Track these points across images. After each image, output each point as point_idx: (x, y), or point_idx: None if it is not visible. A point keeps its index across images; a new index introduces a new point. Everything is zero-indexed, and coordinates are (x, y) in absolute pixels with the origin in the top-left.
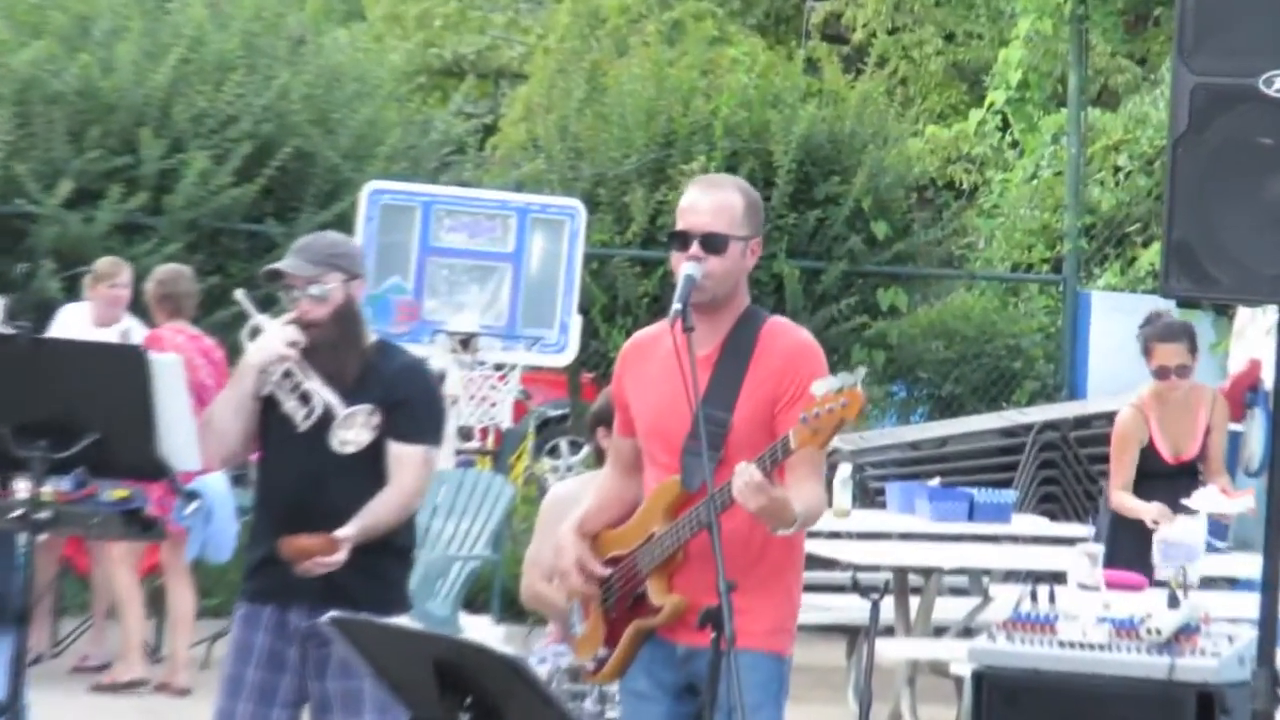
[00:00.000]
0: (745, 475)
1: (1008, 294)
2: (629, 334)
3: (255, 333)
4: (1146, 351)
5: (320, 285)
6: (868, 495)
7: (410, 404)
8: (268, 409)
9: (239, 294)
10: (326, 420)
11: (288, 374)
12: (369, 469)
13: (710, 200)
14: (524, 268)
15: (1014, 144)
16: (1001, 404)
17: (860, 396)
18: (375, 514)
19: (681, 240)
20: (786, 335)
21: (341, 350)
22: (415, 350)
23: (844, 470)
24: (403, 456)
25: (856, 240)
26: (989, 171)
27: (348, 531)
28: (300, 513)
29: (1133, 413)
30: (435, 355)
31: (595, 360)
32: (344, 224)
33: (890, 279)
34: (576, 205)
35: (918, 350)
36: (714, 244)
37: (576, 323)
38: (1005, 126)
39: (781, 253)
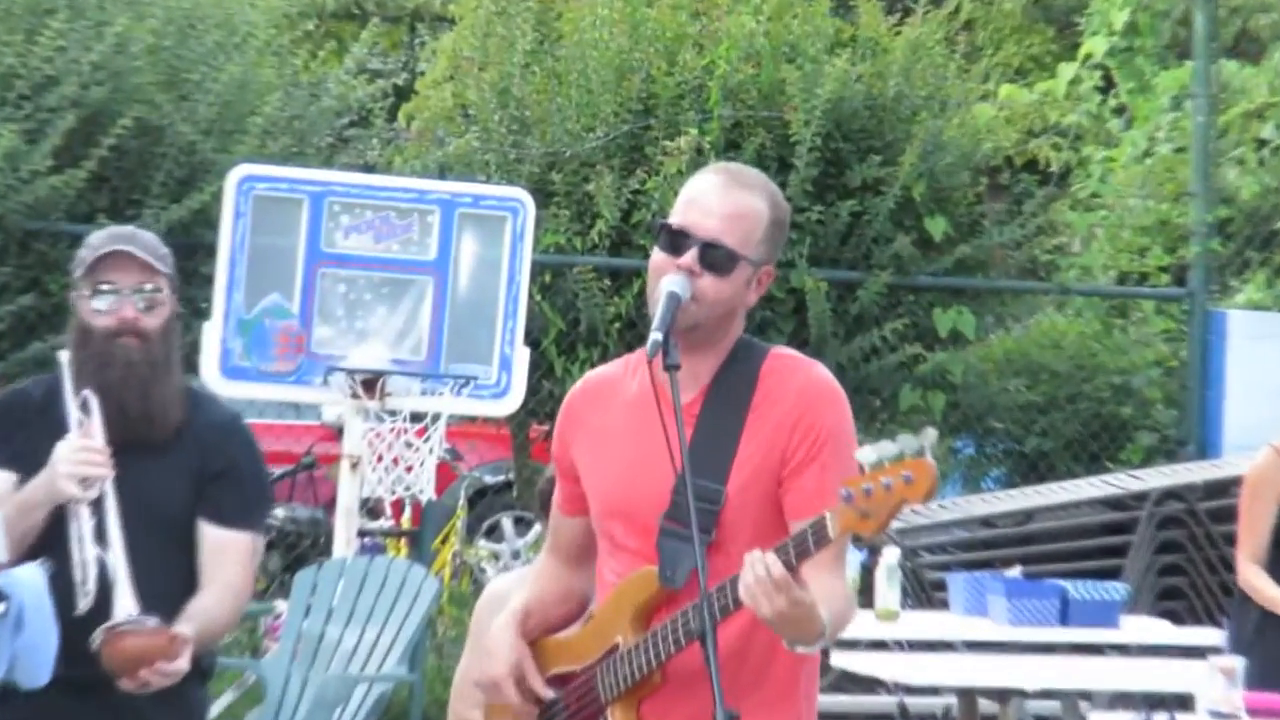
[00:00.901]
0: (760, 569)
1: (1113, 314)
2: None
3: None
4: None
5: (154, 284)
6: (922, 590)
7: (235, 476)
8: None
9: (62, 358)
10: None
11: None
12: (175, 564)
13: (728, 200)
14: (450, 282)
15: (1119, 110)
16: (1106, 465)
17: (931, 470)
18: (209, 616)
19: (672, 240)
20: (796, 373)
21: (164, 385)
22: (303, 395)
23: (889, 556)
24: (228, 546)
25: (905, 242)
26: (1086, 148)
27: (187, 630)
28: (83, 627)
29: (1269, 456)
30: (329, 402)
31: (548, 408)
32: (205, 222)
33: (952, 295)
34: (522, 197)
35: (990, 392)
36: (717, 259)
37: (522, 357)
38: (1108, 86)
39: (802, 260)
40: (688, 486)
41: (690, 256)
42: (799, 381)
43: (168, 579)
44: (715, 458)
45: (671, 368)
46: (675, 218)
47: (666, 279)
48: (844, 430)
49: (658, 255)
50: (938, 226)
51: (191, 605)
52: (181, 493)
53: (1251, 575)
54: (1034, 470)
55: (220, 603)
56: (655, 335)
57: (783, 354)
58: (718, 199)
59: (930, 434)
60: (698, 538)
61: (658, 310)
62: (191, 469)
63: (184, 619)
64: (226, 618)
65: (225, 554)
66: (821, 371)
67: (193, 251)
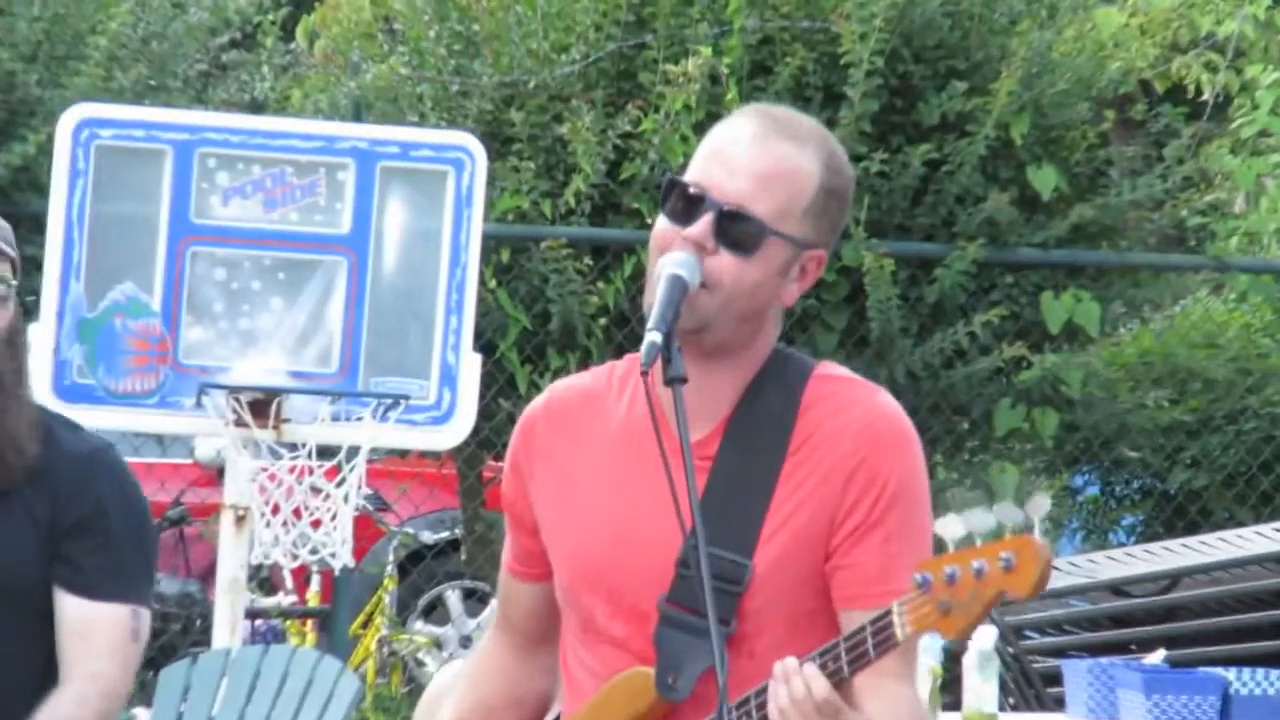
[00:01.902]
0: (798, 686)
1: None
2: None
3: None
4: None
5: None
6: (1029, 685)
7: (102, 527)
8: None
9: None
10: None
11: None
12: (25, 648)
13: (764, 153)
14: (371, 265)
15: None
16: None
17: (1042, 555)
18: None
19: (682, 203)
20: (853, 404)
21: (17, 406)
22: (168, 424)
23: (983, 639)
24: (95, 624)
25: (1002, 202)
26: (1252, 68)
27: None
28: None
29: None
30: (204, 433)
31: (507, 437)
32: (28, 183)
33: (1068, 275)
34: (468, 144)
35: (1121, 409)
36: (738, 232)
37: (472, 368)
38: None
39: (858, 228)
40: (701, 558)
41: (702, 226)
42: (857, 417)
43: (14, 669)
44: (738, 519)
45: (675, 380)
46: (690, 173)
47: (668, 257)
48: (917, 486)
49: (661, 224)
50: (1047, 180)
51: (44, 712)
52: (27, 552)
53: None
54: (1182, 516)
55: (82, 704)
56: (653, 335)
57: (833, 375)
58: (749, 152)
59: (1042, 504)
60: (716, 633)
61: (655, 301)
62: (41, 521)
63: None
64: None
65: (91, 635)
66: (886, 402)
67: (13, 224)
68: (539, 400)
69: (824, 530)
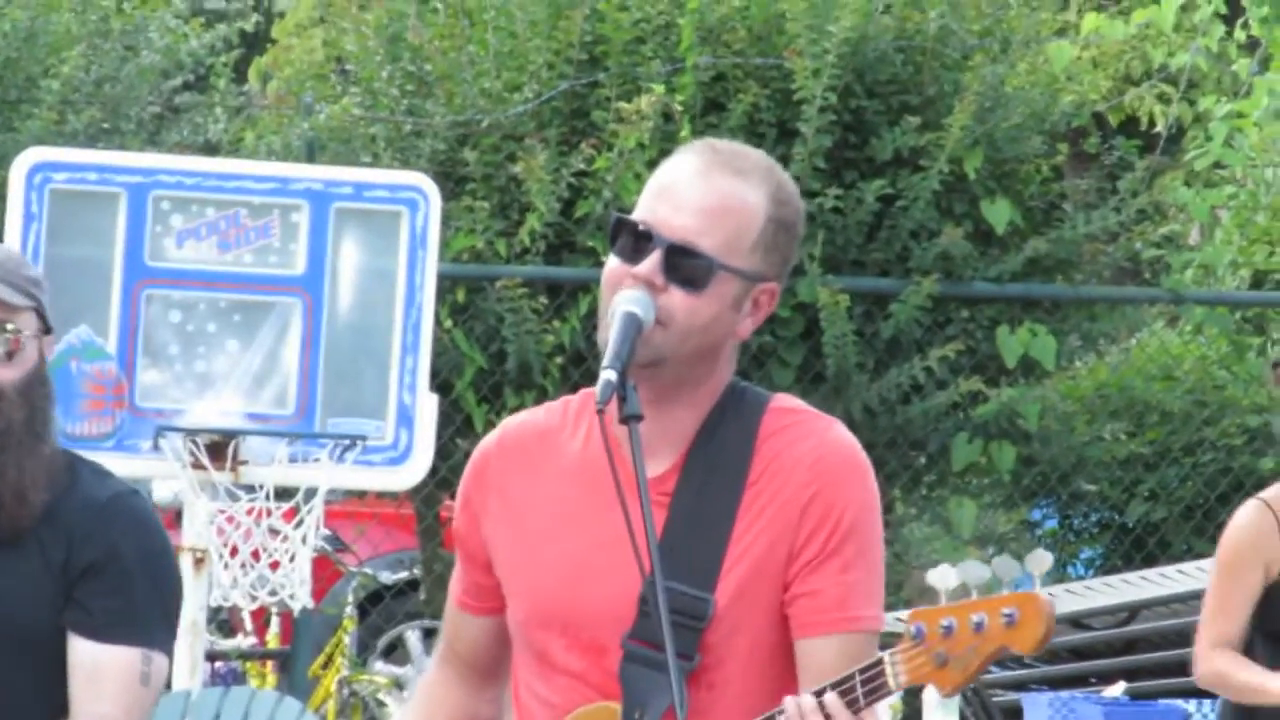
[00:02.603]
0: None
1: (1246, 331)
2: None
3: None
4: None
5: (15, 324)
6: (988, 718)
7: (115, 571)
8: None
9: None
10: None
11: None
12: (36, 694)
13: (709, 188)
14: (326, 306)
15: (1249, 46)
16: None
17: (1045, 612)
18: None
19: (633, 240)
20: (807, 435)
21: (26, 459)
22: (125, 466)
23: None
24: (103, 668)
25: (955, 236)
26: (1203, 100)
27: None
28: None
29: (1256, 512)
30: (162, 475)
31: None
32: None
33: (1023, 309)
34: (422, 184)
35: (1078, 442)
36: (687, 268)
37: (428, 408)
38: (1233, 14)
39: (814, 264)
40: (660, 597)
41: (651, 263)
42: (811, 449)
43: (26, 716)
44: (698, 554)
45: (631, 418)
46: (637, 211)
47: (622, 294)
48: (872, 517)
49: (612, 263)
50: (1000, 214)
51: None
52: (40, 596)
53: (1219, 665)
54: (1140, 549)
55: None
56: (607, 373)
57: (787, 407)
58: (694, 187)
59: (1044, 559)
60: (676, 667)
61: (610, 338)
62: (54, 565)
63: None
64: None
65: (99, 679)
66: (841, 434)
67: None
68: (492, 436)
69: (782, 561)
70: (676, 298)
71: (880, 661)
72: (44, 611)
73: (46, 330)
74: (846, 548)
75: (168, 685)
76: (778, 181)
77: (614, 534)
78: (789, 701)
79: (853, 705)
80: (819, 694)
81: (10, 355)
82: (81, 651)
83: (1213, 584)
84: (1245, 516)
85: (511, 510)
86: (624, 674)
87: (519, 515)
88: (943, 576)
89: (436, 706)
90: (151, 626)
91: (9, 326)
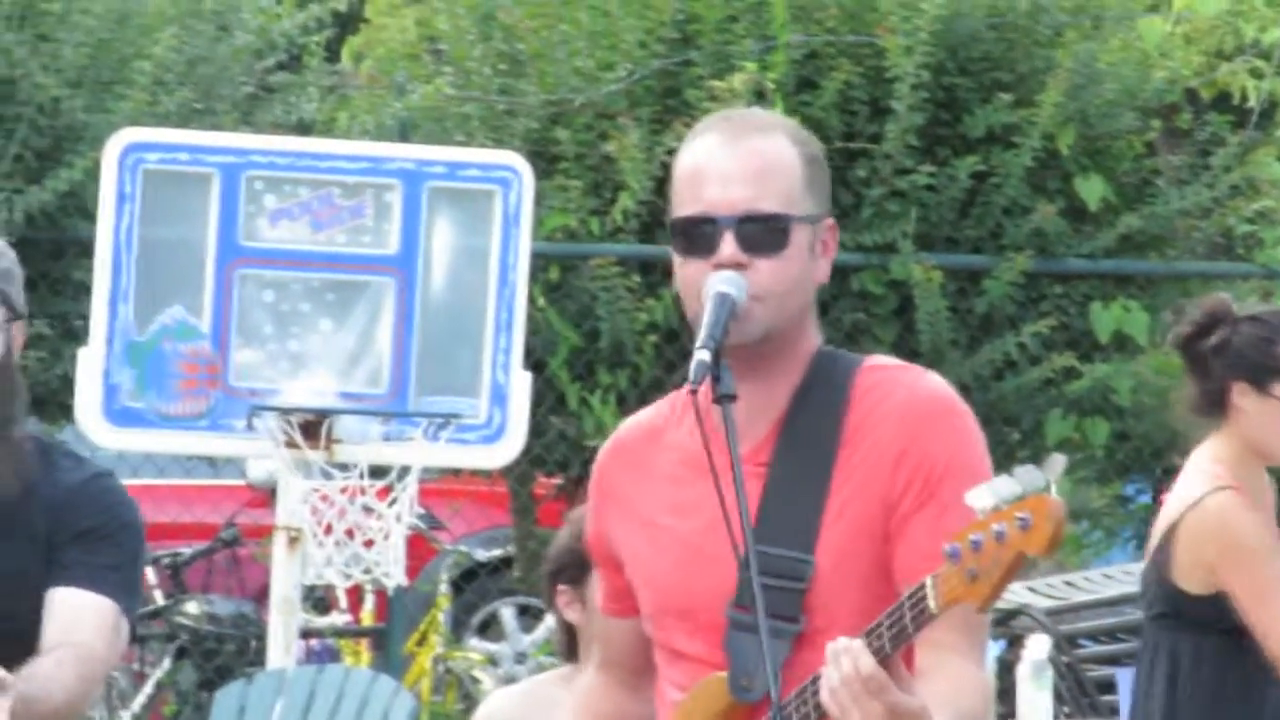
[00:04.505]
0: (845, 663)
1: None
2: (623, 403)
3: None
4: (1277, 366)
5: None
6: (1084, 694)
7: (100, 536)
8: None
9: None
10: None
11: None
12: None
13: (745, 153)
14: (420, 285)
15: None
16: None
17: (1053, 509)
18: (45, 680)
19: (698, 234)
20: (900, 387)
21: None
22: (220, 446)
23: (1037, 647)
24: (84, 608)
25: (1048, 212)
26: None
27: (11, 679)
28: None
29: (1241, 499)
30: (256, 455)
31: (559, 454)
32: (76, 208)
33: (1116, 285)
34: (515, 164)
35: (1170, 418)
36: (765, 234)
37: (522, 386)
38: None
39: (906, 241)
40: (749, 557)
41: (728, 245)
42: (901, 399)
43: None
44: (797, 518)
45: (725, 398)
46: (685, 208)
47: (714, 276)
48: (969, 457)
49: (682, 266)
50: (1094, 190)
51: (26, 670)
52: (24, 579)
53: None
54: None
55: (60, 665)
56: (701, 354)
57: (881, 364)
58: (731, 159)
59: (1057, 462)
60: (764, 627)
61: (704, 320)
62: (39, 542)
63: (14, 677)
64: (69, 686)
65: (78, 618)
66: (933, 381)
67: (60, 250)
68: (607, 445)
69: (881, 514)
70: (764, 268)
71: (923, 586)
72: (26, 586)
73: (16, 316)
74: (943, 492)
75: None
76: (791, 126)
77: (716, 513)
78: (830, 646)
79: (903, 634)
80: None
81: None
82: (61, 596)
83: (1259, 581)
84: (1238, 505)
85: (630, 510)
86: (729, 643)
87: (637, 513)
88: (979, 497)
89: (594, 711)
90: (126, 591)
91: None
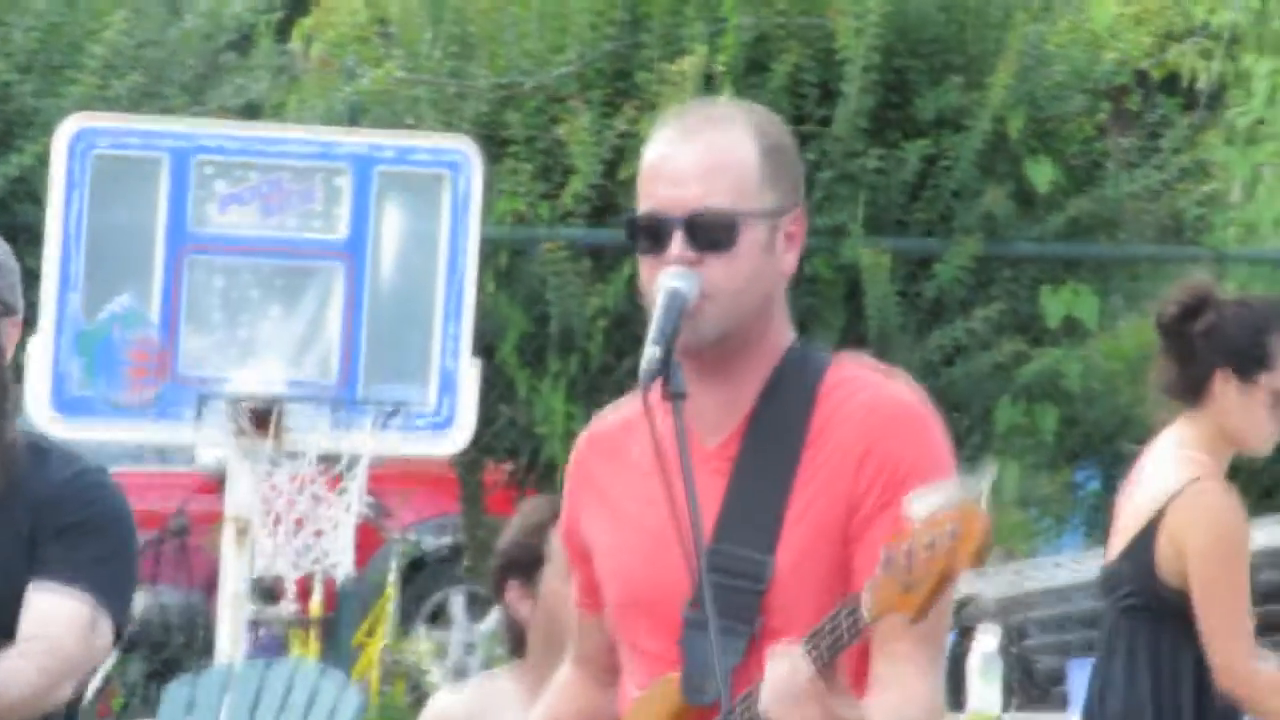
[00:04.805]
0: (783, 669)
1: None
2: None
3: None
4: (1266, 357)
5: None
6: (1033, 685)
7: (78, 531)
8: None
9: None
10: None
11: None
12: None
13: (696, 150)
14: (369, 271)
15: None
16: None
17: (979, 522)
18: (4, 673)
19: (651, 232)
20: (866, 388)
21: None
22: (169, 435)
23: (986, 638)
24: (57, 606)
25: (998, 196)
26: (1247, 56)
27: None
28: None
29: (1232, 494)
30: (206, 442)
31: (509, 441)
32: (25, 194)
33: (1065, 269)
34: (465, 148)
35: (1121, 403)
36: (713, 231)
37: (471, 373)
38: None
39: (856, 225)
40: (697, 557)
41: (676, 244)
42: (867, 400)
43: None
44: (758, 517)
45: (676, 397)
46: (641, 203)
47: (664, 273)
48: (932, 462)
49: (642, 263)
50: (1043, 173)
51: None
52: (6, 575)
53: (1257, 680)
54: None
55: (25, 656)
56: (651, 349)
57: (849, 364)
58: (681, 156)
59: (987, 472)
60: (715, 632)
61: (655, 315)
62: (22, 538)
63: None
64: (30, 680)
65: (49, 613)
66: (899, 385)
67: (11, 236)
68: (584, 433)
69: (843, 516)
70: (714, 265)
71: (858, 595)
72: (8, 582)
73: (6, 312)
74: (902, 497)
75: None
76: (754, 115)
77: (682, 510)
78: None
79: (838, 642)
80: (794, 645)
81: None
82: (37, 591)
83: (1225, 582)
84: (1229, 499)
85: (603, 502)
86: (685, 643)
87: (609, 505)
88: (915, 506)
89: (566, 704)
90: (108, 588)
91: None
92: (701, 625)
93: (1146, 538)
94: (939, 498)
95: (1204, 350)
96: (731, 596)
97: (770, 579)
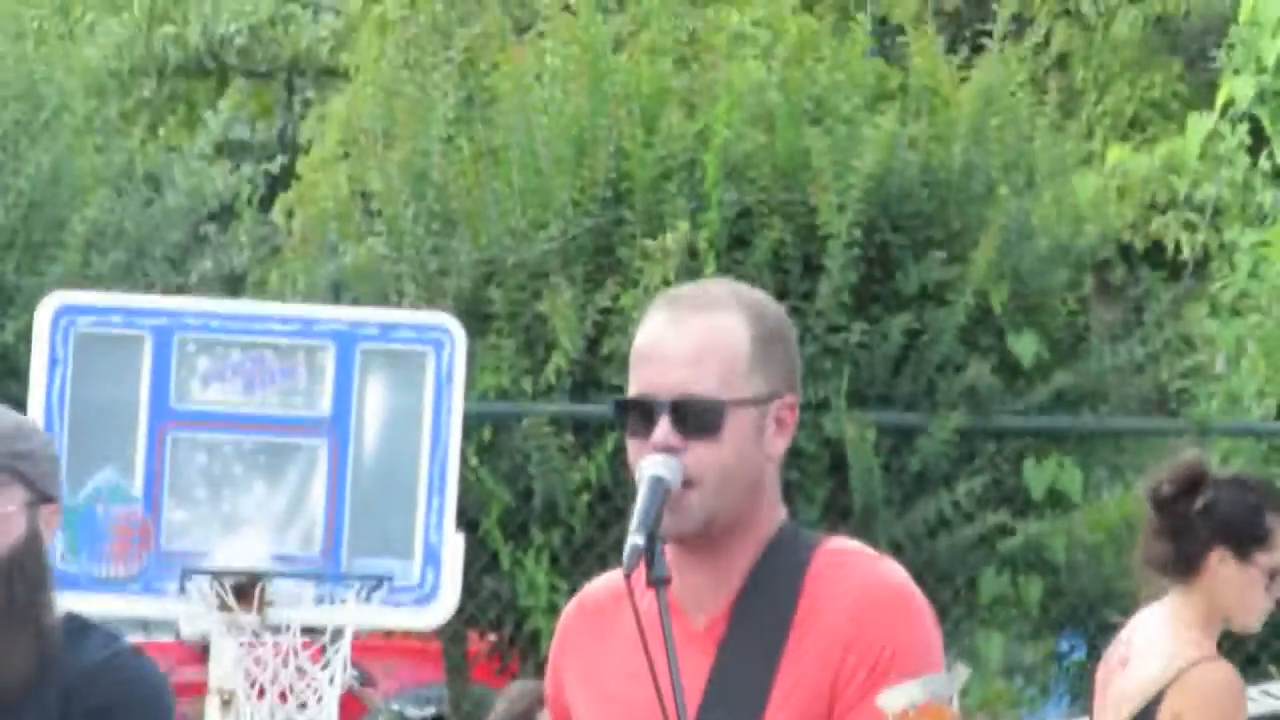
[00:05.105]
0: None
1: (1273, 460)
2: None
3: None
4: (1264, 536)
5: None
6: None
7: (106, 716)
8: None
9: None
10: None
11: None
12: None
13: (685, 334)
14: (352, 447)
15: (1275, 174)
16: (1270, 671)
17: None
18: None
19: (638, 414)
20: (852, 572)
21: (2, 633)
22: (152, 608)
23: None
24: None
25: (981, 369)
26: (1230, 229)
27: None
28: None
29: (1233, 672)
30: (188, 615)
31: (492, 613)
32: (7, 370)
33: (1050, 442)
34: (447, 324)
35: (1106, 574)
36: (698, 418)
37: (455, 547)
38: (1257, 144)
39: (839, 398)
40: None
41: (661, 429)
42: (854, 585)
43: None
44: (743, 698)
45: (659, 582)
46: (631, 386)
47: (646, 460)
48: (920, 649)
49: (630, 444)
50: (1027, 347)
51: None
52: None
53: None
54: None
55: None
56: (634, 539)
57: (839, 548)
58: (671, 340)
59: (960, 673)
60: None
61: (638, 503)
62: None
63: None
64: None
65: None
66: (888, 569)
67: None
68: (571, 605)
69: (827, 700)
70: (698, 451)
71: None
72: None
73: (44, 499)
74: (888, 682)
75: None
76: (748, 299)
77: (667, 689)
78: None
79: None
80: None
81: None
82: None
83: None
84: (1231, 682)
85: (588, 672)
86: None
87: (593, 675)
88: (887, 699)
89: None
90: None
91: None
92: None
93: (1147, 717)
94: (913, 694)
95: (1201, 528)
96: None
97: None
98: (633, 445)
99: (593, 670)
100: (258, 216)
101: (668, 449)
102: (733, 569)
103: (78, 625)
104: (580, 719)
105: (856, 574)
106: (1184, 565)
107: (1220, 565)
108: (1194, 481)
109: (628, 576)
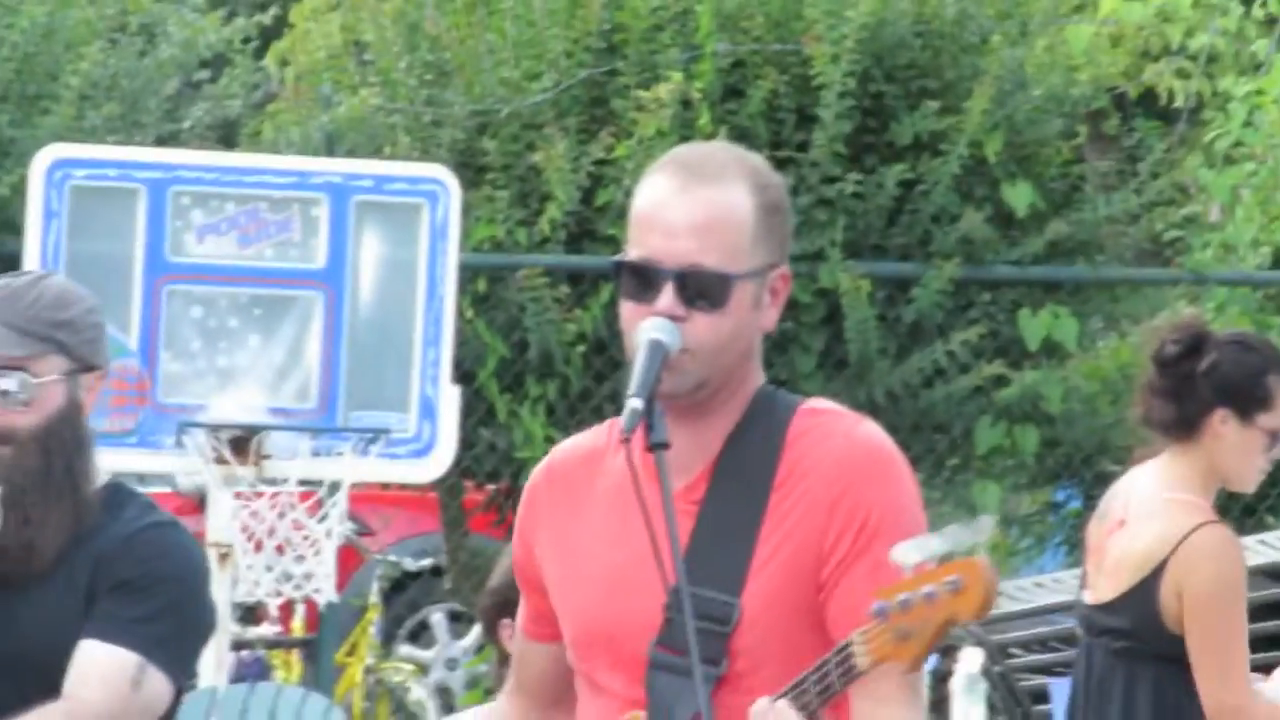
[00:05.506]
0: None
1: (1269, 309)
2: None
3: None
4: (1267, 398)
5: (21, 375)
6: (1017, 705)
7: (133, 588)
8: None
9: None
10: None
11: None
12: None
13: (693, 204)
14: (348, 299)
15: (1270, 22)
16: (1265, 520)
17: (985, 575)
18: None
19: (640, 279)
20: (833, 434)
21: (39, 501)
22: (148, 462)
23: (969, 660)
24: (98, 660)
25: (976, 220)
26: (1224, 78)
27: None
28: None
29: (1232, 537)
30: (185, 469)
31: (489, 465)
32: (4, 222)
33: (1044, 291)
34: (442, 176)
35: (1101, 424)
36: (704, 290)
37: (451, 399)
38: None
39: (834, 249)
40: (683, 598)
41: (666, 297)
42: (837, 447)
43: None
44: (725, 559)
45: (658, 446)
46: (633, 248)
47: (647, 322)
48: (902, 513)
49: (626, 307)
50: (1021, 197)
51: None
52: (62, 625)
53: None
54: None
55: (43, 715)
56: (633, 402)
57: (817, 408)
58: (679, 208)
59: (985, 524)
60: (699, 672)
61: (636, 367)
62: (79, 590)
63: None
64: None
65: (90, 670)
66: (868, 430)
67: None
68: (541, 464)
69: (813, 562)
70: (700, 321)
71: (850, 644)
72: (64, 640)
73: (85, 368)
74: (876, 546)
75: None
76: (751, 169)
77: (648, 549)
78: (756, 705)
79: (829, 691)
80: (779, 697)
81: (28, 401)
82: (81, 649)
83: (1225, 627)
84: (1231, 544)
85: (560, 535)
86: (650, 683)
87: (566, 539)
88: (903, 552)
89: None
90: (160, 644)
91: (7, 383)
92: (667, 665)
93: (1149, 587)
94: (933, 547)
95: (1204, 389)
96: (698, 637)
97: (737, 621)
98: (627, 307)
99: (565, 534)
100: (250, 65)
101: (671, 318)
102: (714, 430)
103: (117, 494)
104: (553, 582)
105: (838, 435)
106: (1185, 425)
107: (1221, 426)
108: (1197, 342)
109: (627, 439)
